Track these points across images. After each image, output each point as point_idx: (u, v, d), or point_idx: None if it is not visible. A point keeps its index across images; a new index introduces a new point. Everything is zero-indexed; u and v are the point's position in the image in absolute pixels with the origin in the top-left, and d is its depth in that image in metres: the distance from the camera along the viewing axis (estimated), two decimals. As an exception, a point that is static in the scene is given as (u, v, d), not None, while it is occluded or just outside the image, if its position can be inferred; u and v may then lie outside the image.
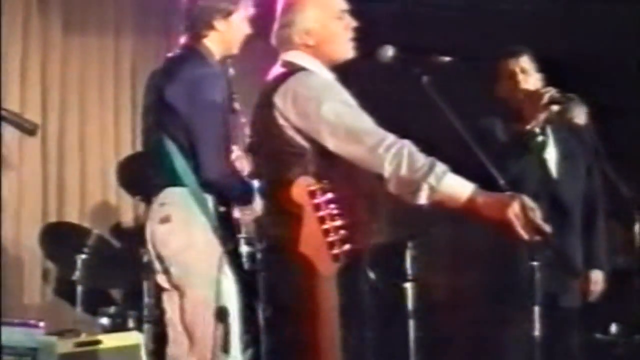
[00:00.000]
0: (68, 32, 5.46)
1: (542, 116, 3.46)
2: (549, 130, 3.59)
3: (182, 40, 3.56)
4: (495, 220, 2.47)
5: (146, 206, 3.61)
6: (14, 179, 5.13)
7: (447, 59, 2.72)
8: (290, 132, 2.63)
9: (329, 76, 2.76)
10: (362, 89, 2.73)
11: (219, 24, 3.47)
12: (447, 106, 2.62)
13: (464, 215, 2.50)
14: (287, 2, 2.80)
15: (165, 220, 3.34)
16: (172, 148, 3.33)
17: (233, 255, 3.40)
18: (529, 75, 3.60)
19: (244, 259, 3.52)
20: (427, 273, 4.52)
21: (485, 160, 2.65)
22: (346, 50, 2.77)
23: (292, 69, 2.72)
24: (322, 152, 2.61)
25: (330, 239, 2.16)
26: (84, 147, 5.48)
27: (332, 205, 2.16)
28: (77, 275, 4.37)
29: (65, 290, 4.77)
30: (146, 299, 4.12)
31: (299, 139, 2.63)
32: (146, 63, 5.28)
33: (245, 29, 3.56)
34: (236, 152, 3.58)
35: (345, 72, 2.77)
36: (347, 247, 2.17)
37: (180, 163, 3.31)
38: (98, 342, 3.83)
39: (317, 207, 2.17)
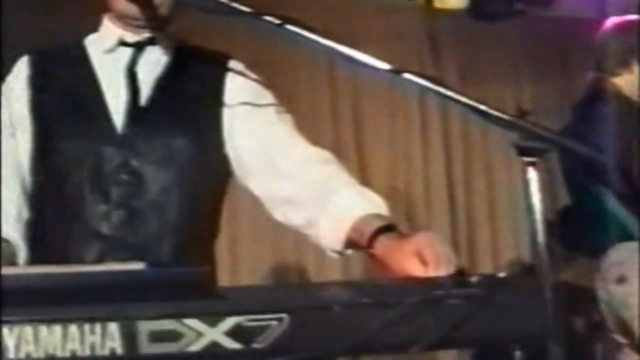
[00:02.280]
0: (465, 82, 5.20)
1: None
2: None
3: (590, 78, 3.40)
4: None
5: (590, 264, 3.33)
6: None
7: None
8: None
9: None
10: None
11: (635, 65, 3.32)
12: None
13: None
14: None
15: (621, 280, 3.11)
16: (610, 199, 3.14)
17: None
18: None
19: None
20: None
21: None
22: None
23: None
24: None
25: None
26: (492, 200, 5.19)
27: None
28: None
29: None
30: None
31: None
32: (546, 107, 4.82)
33: None
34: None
35: None
36: None
37: (623, 214, 3.11)
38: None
39: None
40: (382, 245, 1.75)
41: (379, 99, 4.98)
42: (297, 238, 4.51)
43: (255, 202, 2.09)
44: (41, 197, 2.03)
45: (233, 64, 2.12)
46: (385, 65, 1.77)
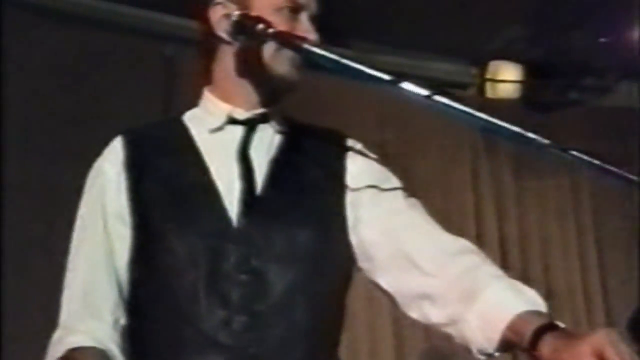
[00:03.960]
0: (519, 177, 5.06)
1: None
2: None
3: None
4: None
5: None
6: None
7: None
8: None
9: None
10: None
11: None
12: None
13: None
14: None
15: None
16: None
17: None
18: None
19: None
20: None
21: None
22: None
23: None
24: None
25: None
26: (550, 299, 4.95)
27: None
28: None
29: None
30: None
31: None
32: (605, 197, 4.94)
33: None
34: None
35: None
36: None
37: None
38: None
39: None
40: (550, 346, 1.51)
41: (433, 156, 4.82)
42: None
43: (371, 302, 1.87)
44: (143, 300, 1.79)
45: (351, 142, 1.92)
46: (545, 141, 1.59)
